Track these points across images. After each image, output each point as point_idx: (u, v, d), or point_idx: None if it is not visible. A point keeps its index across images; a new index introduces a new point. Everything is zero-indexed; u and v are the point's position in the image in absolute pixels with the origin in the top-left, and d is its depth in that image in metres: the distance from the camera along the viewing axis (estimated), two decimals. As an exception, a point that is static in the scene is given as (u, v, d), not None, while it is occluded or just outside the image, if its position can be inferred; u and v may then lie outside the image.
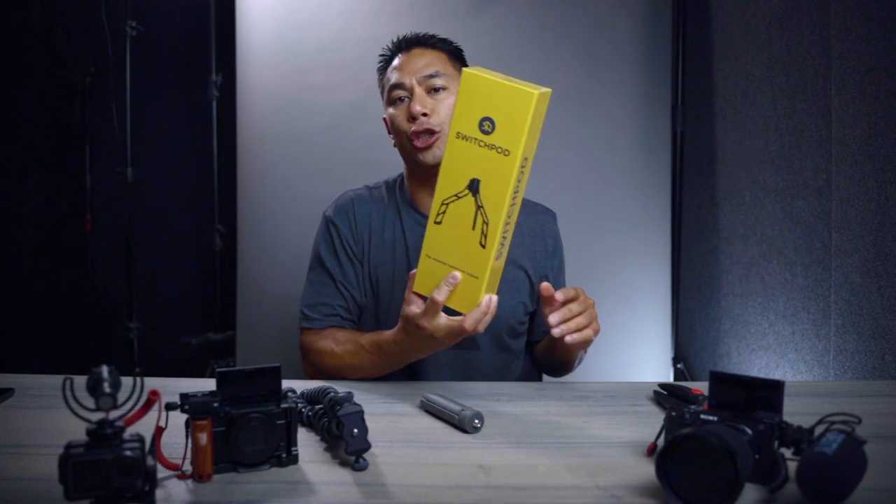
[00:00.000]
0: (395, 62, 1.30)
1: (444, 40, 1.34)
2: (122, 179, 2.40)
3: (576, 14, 2.24)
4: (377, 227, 1.33)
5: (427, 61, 1.28)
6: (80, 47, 2.53)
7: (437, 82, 1.27)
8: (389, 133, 1.35)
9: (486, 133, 0.87)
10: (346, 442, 0.78)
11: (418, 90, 1.26)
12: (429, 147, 1.25)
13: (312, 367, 1.28)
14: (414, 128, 1.24)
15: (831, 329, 1.69)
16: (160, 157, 2.66)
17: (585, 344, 1.09)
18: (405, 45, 1.32)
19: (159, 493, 0.69)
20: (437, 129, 1.25)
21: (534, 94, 0.87)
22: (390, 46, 1.34)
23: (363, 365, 1.19)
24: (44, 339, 2.53)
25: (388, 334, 1.13)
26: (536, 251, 1.36)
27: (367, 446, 0.79)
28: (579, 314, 1.06)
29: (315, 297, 1.31)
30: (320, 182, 2.23)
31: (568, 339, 1.04)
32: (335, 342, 1.23)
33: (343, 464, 0.80)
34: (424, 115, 1.24)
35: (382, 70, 1.35)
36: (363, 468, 0.78)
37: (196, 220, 2.74)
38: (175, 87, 2.72)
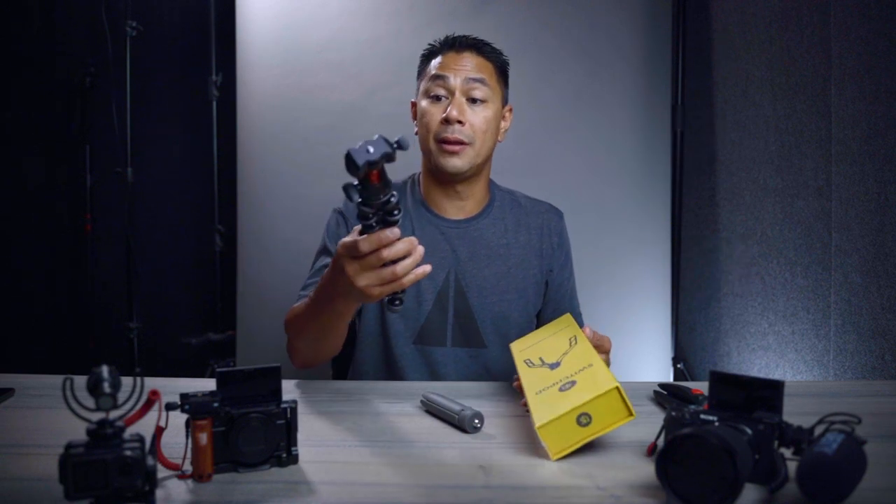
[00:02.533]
0: (443, 57, 1.29)
1: (496, 51, 1.33)
2: (122, 179, 2.40)
3: (576, 14, 2.24)
4: None
5: (476, 65, 1.28)
6: (80, 47, 2.53)
7: (479, 94, 1.26)
8: (414, 120, 1.35)
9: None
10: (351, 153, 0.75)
11: (458, 95, 1.25)
12: (454, 154, 1.25)
13: (288, 340, 1.23)
14: (446, 134, 1.24)
15: (831, 329, 1.69)
16: (160, 157, 2.66)
17: None
18: (458, 44, 1.30)
19: (159, 493, 0.69)
20: (468, 140, 1.25)
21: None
22: (441, 40, 1.33)
23: (307, 311, 1.12)
24: (44, 340, 2.53)
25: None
26: (543, 248, 1.38)
27: (375, 155, 0.75)
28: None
29: (312, 279, 1.30)
30: (320, 182, 2.23)
31: None
32: (297, 307, 1.20)
33: (346, 457, 0.80)
34: (460, 122, 1.24)
35: (426, 59, 1.33)
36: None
37: (196, 220, 2.74)
38: (175, 87, 2.72)
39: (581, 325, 1.34)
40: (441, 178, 1.32)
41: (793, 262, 1.85)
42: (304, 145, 2.28)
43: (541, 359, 0.96)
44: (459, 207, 1.35)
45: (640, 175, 2.28)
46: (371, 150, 0.75)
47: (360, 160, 0.76)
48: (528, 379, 0.92)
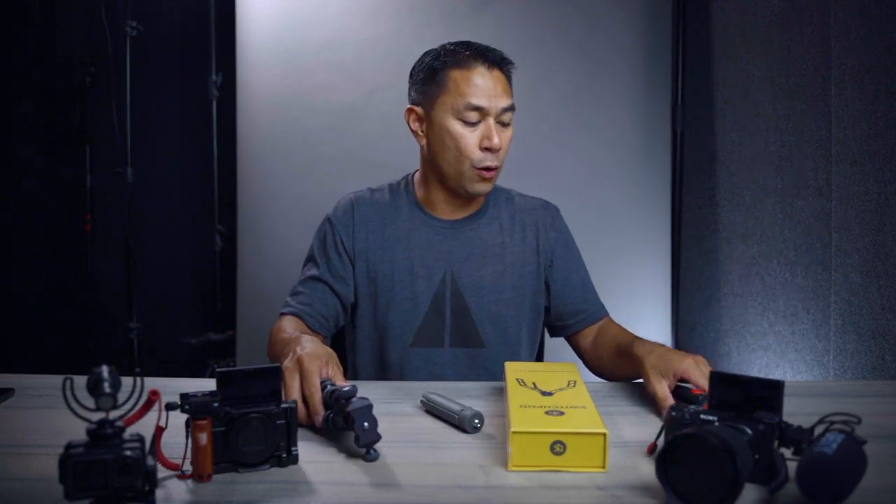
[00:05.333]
0: (474, 75, 1.22)
1: (510, 64, 1.29)
2: (122, 179, 2.40)
3: (576, 14, 2.24)
4: (377, 227, 1.33)
5: (504, 88, 1.25)
6: (80, 47, 2.53)
7: (508, 117, 1.26)
8: (411, 127, 1.31)
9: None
10: (358, 435, 0.80)
11: (492, 121, 1.24)
12: (489, 180, 1.27)
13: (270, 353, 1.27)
14: (488, 163, 1.24)
15: (831, 329, 1.69)
16: (160, 157, 2.66)
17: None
18: (489, 60, 1.24)
19: (159, 493, 0.69)
20: (500, 164, 1.27)
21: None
22: (468, 48, 1.25)
23: (277, 348, 1.16)
24: (44, 339, 2.53)
25: (288, 336, 1.13)
26: (539, 245, 1.37)
27: (379, 437, 0.81)
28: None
29: (297, 287, 1.33)
30: (320, 182, 2.23)
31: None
32: (279, 329, 1.24)
33: (346, 457, 0.80)
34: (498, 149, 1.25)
35: (447, 66, 1.24)
36: (374, 459, 0.80)
37: (196, 220, 2.74)
38: (175, 87, 2.72)
39: (604, 313, 1.38)
40: (457, 193, 1.31)
41: (793, 262, 1.85)
42: (304, 145, 2.28)
43: (534, 383, 0.96)
44: (455, 210, 1.35)
45: (640, 175, 2.28)
46: (367, 425, 0.81)
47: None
48: (516, 394, 0.91)
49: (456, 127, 1.24)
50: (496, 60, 1.25)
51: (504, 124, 1.26)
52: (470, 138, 1.23)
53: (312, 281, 1.31)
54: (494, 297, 1.32)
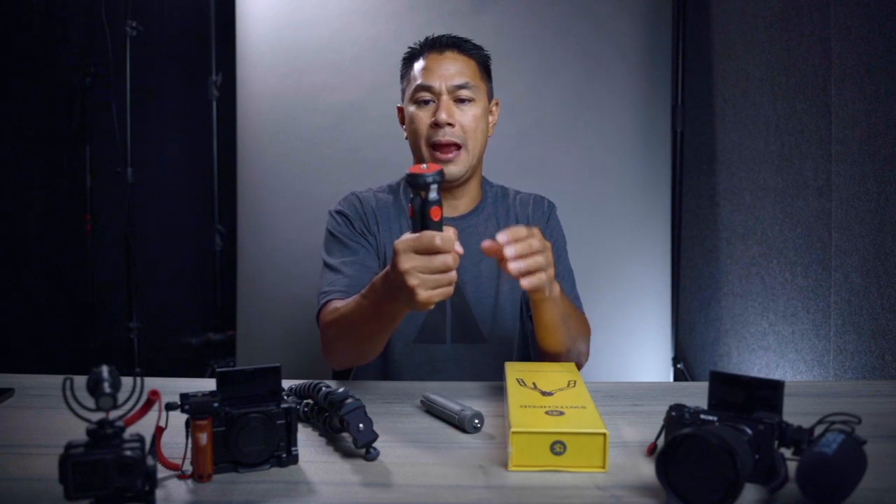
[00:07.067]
0: (426, 61, 1.29)
1: (477, 47, 1.34)
2: (122, 179, 2.40)
3: (576, 14, 2.24)
4: (384, 222, 1.35)
5: (458, 68, 1.28)
6: (80, 47, 2.53)
7: (466, 94, 1.27)
8: (402, 124, 1.37)
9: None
10: (355, 437, 0.80)
11: (445, 98, 1.26)
12: (449, 161, 1.26)
13: (325, 341, 1.20)
14: (437, 137, 1.25)
15: (831, 329, 1.69)
16: (160, 157, 2.66)
17: (538, 289, 0.99)
18: (439, 45, 1.30)
19: (159, 493, 0.69)
20: (460, 142, 1.26)
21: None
22: (422, 42, 1.33)
23: (353, 312, 1.09)
24: (44, 339, 2.53)
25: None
26: None
27: (376, 436, 0.81)
28: (538, 252, 0.97)
29: (332, 277, 1.26)
30: (320, 182, 2.23)
31: (524, 282, 0.96)
32: (343, 303, 1.17)
33: (346, 457, 0.80)
34: (450, 124, 1.25)
35: (408, 62, 1.34)
36: (375, 457, 0.81)
37: (196, 220, 2.74)
38: (175, 87, 2.72)
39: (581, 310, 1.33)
40: None
41: (793, 262, 1.85)
42: (304, 145, 2.28)
43: (534, 383, 0.96)
44: (453, 207, 1.35)
45: (640, 175, 2.28)
46: (362, 426, 0.83)
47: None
48: (516, 394, 0.91)
49: (412, 109, 1.29)
50: (447, 44, 1.30)
51: (463, 101, 1.27)
52: (422, 117, 1.28)
53: (352, 266, 1.26)
54: (493, 291, 1.33)
